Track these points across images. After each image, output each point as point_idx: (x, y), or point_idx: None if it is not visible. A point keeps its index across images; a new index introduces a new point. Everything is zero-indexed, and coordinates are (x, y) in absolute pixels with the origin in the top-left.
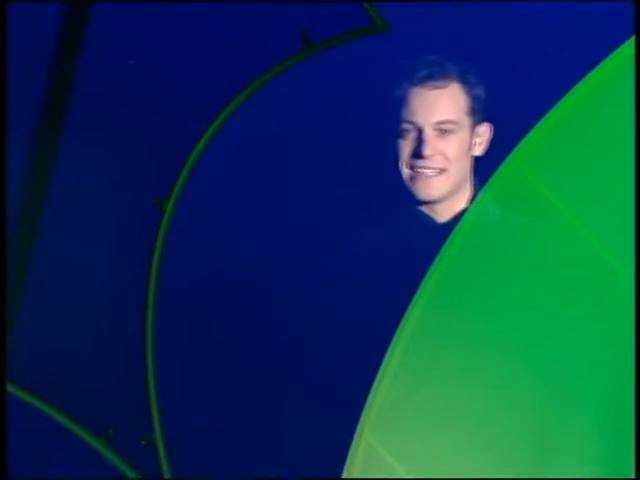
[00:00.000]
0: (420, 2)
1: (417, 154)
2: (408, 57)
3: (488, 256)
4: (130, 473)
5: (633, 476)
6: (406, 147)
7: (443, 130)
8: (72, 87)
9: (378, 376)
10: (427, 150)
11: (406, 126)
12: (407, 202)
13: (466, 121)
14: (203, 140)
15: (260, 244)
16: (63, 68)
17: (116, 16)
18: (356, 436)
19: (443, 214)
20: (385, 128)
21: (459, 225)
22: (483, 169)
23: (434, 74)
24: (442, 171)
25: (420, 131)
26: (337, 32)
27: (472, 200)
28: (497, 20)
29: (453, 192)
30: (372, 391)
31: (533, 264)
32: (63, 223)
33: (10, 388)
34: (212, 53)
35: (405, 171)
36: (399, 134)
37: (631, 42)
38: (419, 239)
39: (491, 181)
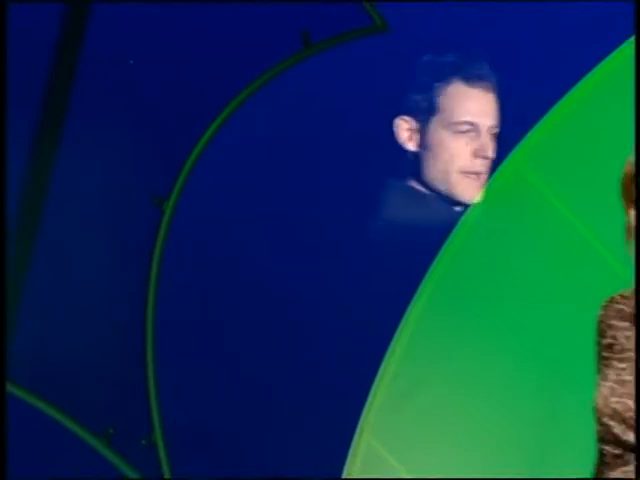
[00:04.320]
0: (420, 2)
1: (477, 156)
2: (454, 53)
3: (488, 256)
4: (130, 473)
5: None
6: (462, 148)
7: (493, 134)
8: (72, 87)
9: (378, 376)
10: (491, 153)
11: (464, 127)
12: (410, 201)
13: None
14: (203, 140)
15: (260, 244)
16: (63, 68)
17: (116, 16)
18: (356, 436)
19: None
20: (425, 125)
21: (459, 225)
22: None
23: (484, 75)
24: (486, 173)
25: (480, 134)
26: (337, 32)
27: None
28: (497, 20)
29: None
30: (372, 391)
31: (533, 264)
32: (63, 223)
33: (10, 388)
34: (212, 53)
35: (455, 172)
36: (453, 133)
37: (631, 42)
38: (420, 241)
39: (491, 181)
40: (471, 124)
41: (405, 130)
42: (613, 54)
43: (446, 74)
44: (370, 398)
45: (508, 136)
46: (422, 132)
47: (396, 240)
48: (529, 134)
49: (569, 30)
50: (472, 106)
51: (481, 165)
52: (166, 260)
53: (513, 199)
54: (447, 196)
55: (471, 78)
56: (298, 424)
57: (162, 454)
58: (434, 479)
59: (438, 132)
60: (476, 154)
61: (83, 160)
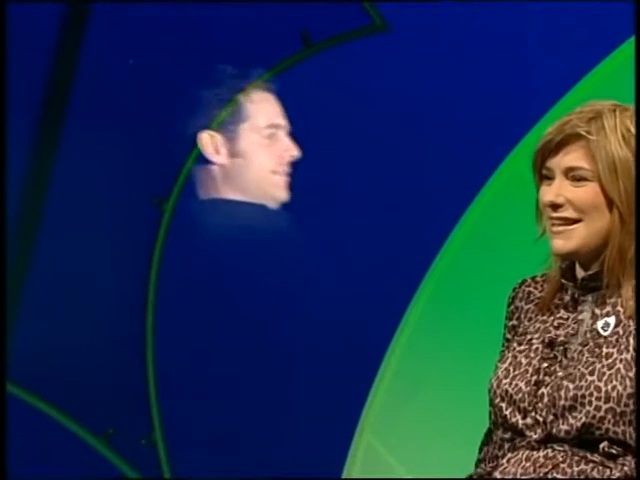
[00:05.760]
0: (420, 2)
1: (286, 156)
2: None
3: (488, 256)
4: (130, 473)
5: None
6: (272, 151)
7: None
8: (72, 87)
9: (378, 376)
10: (296, 151)
11: (271, 130)
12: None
13: None
14: None
15: (259, 243)
16: (63, 68)
17: (116, 16)
18: (356, 436)
19: None
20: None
21: (459, 225)
22: (483, 169)
23: (268, 80)
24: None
25: (282, 134)
26: (337, 32)
27: None
28: (497, 20)
29: None
30: (372, 391)
31: (533, 263)
32: (63, 223)
33: (10, 388)
34: (212, 53)
35: (269, 174)
36: (262, 138)
37: (631, 42)
38: (419, 239)
39: (491, 181)
40: (276, 126)
41: (210, 144)
42: (613, 54)
43: (245, 83)
44: (370, 398)
45: (508, 136)
46: (232, 142)
47: (399, 240)
48: (529, 134)
49: (569, 30)
50: (272, 109)
51: (289, 164)
52: (166, 260)
53: (513, 199)
54: (263, 199)
55: (264, 84)
56: (298, 424)
57: (162, 454)
58: (434, 479)
59: (248, 139)
60: (284, 154)
61: (83, 160)
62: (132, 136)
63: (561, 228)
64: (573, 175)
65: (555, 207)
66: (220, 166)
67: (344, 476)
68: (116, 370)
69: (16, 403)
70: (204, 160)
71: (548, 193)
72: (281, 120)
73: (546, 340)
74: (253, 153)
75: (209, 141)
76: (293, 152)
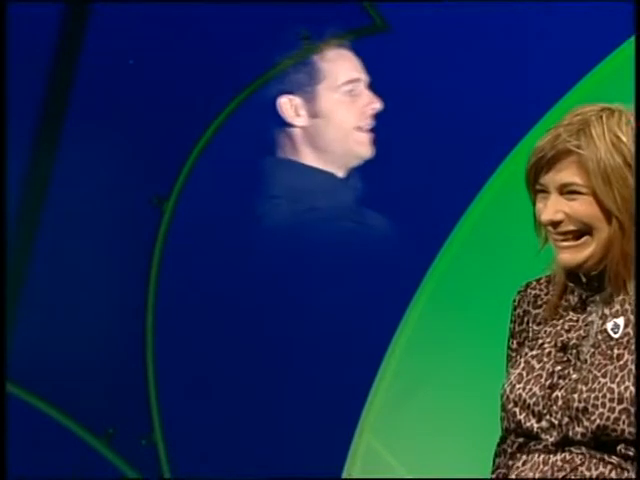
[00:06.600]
0: (420, 2)
1: (368, 110)
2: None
3: (488, 256)
4: (130, 473)
5: None
6: (353, 106)
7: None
8: (72, 87)
9: (378, 376)
10: (379, 103)
11: (350, 86)
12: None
13: None
14: (203, 140)
15: (260, 243)
16: (63, 68)
17: (116, 16)
18: (356, 436)
19: None
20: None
21: (459, 225)
22: (483, 169)
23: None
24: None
25: (362, 89)
26: (337, 32)
27: None
28: (497, 20)
29: None
30: (372, 391)
31: (533, 264)
32: (63, 223)
33: (10, 388)
34: (212, 53)
35: (351, 130)
36: (341, 95)
37: (631, 42)
38: (420, 239)
39: (491, 181)
40: (354, 81)
41: (290, 107)
42: (613, 54)
43: (317, 44)
44: (370, 398)
45: (508, 136)
46: (311, 103)
47: (399, 238)
48: (529, 134)
49: (569, 30)
50: (350, 65)
51: (372, 118)
52: (166, 260)
53: (513, 199)
54: (346, 157)
55: (337, 41)
56: (298, 424)
57: (162, 454)
58: (434, 479)
59: (327, 98)
60: (366, 108)
61: (83, 160)
62: (132, 136)
63: (567, 243)
64: (568, 190)
65: (555, 225)
66: (301, 128)
67: (344, 476)
68: (116, 370)
69: (16, 403)
70: (284, 123)
71: (545, 212)
72: (359, 74)
73: (558, 344)
74: (334, 112)
75: (288, 104)
76: (375, 105)
